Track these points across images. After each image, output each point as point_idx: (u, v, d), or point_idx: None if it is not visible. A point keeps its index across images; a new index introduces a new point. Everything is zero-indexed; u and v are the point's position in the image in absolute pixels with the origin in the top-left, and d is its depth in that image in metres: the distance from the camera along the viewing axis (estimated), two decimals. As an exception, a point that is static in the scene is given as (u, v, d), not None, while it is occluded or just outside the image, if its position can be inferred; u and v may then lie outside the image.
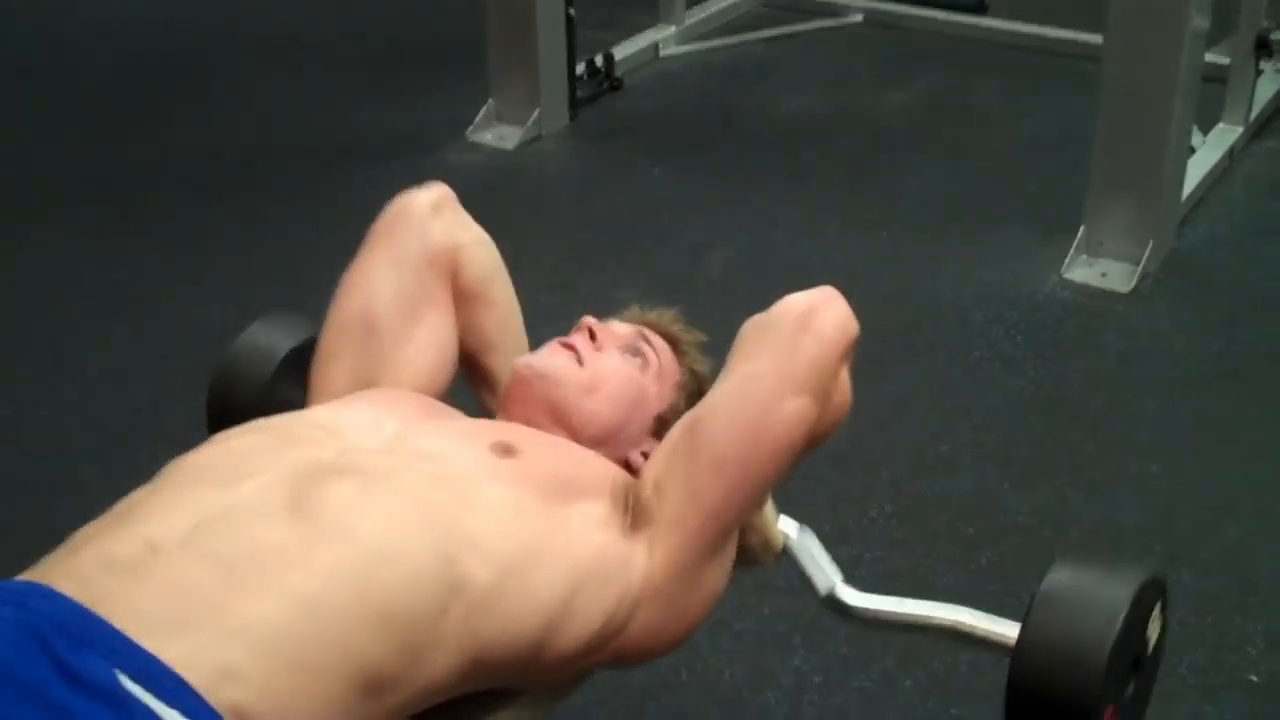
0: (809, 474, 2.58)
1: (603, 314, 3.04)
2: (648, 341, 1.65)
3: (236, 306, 3.09)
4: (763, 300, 3.18)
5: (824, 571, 1.64)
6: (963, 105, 4.25)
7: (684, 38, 4.65)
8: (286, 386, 1.76)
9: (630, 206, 3.63)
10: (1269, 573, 2.37)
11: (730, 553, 1.47)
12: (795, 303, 1.45)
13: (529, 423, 1.55)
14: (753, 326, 1.48)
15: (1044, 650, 1.36)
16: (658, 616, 1.41)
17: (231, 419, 1.75)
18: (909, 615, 1.60)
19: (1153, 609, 1.44)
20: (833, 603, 1.62)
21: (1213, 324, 3.09)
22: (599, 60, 4.27)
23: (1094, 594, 1.38)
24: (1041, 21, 4.69)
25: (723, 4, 4.89)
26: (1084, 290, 3.20)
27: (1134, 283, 3.20)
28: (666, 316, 1.72)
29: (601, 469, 1.49)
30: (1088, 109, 3.39)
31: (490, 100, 4.01)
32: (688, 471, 1.40)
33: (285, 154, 3.95)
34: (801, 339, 1.41)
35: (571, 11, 3.98)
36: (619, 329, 1.65)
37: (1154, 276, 3.23)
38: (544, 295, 3.19)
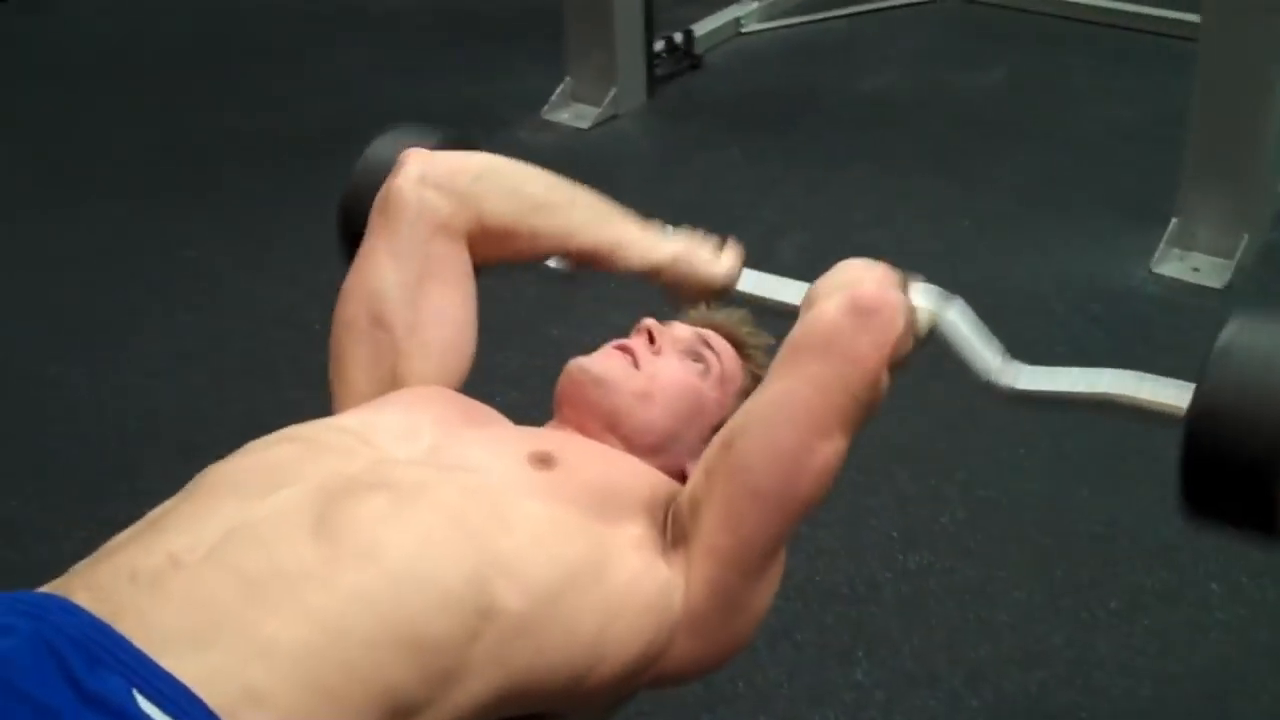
0: (876, 471, 2.51)
1: (669, 310, 2.97)
2: (709, 345, 1.57)
3: (300, 289, 3.06)
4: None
5: (981, 355, 1.46)
6: (1052, 85, 4.12)
7: (766, 14, 4.55)
8: None
9: (705, 189, 3.55)
10: (1361, 593, 2.26)
11: (776, 573, 1.40)
12: (825, 314, 1.31)
13: (581, 428, 1.49)
14: (795, 337, 1.37)
15: (1220, 412, 1.24)
16: (698, 642, 1.35)
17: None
18: (1075, 392, 1.46)
19: None
20: (993, 391, 1.47)
21: (1309, 324, 2.95)
22: (678, 37, 4.18)
23: (1271, 351, 1.26)
24: (1137, -1, 4.54)
25: (806, -21, 4.77)
26: (1174, 285, 3.08)
27: (1227, 279, 3.06)
28: (735, 317, 1.64)
29: (644, 481, 1.42)
30: (1183, 91, 3.27)
31: (566, 78, 3.94)
32: (725, 496, 1.33)
33: (355, 129, 3.84)
34: (836, 363, 1.31)
35: (651, -14, 3.90)
36: (680, 332, 1.58)
37: (1248, 272, 3.10)
38: (613, 281, 3.09)
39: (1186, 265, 3.13)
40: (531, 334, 2.92)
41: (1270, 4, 2.93)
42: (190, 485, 1.30)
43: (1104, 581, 2.28)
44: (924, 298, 1.43)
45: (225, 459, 1.34)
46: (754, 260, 3.13)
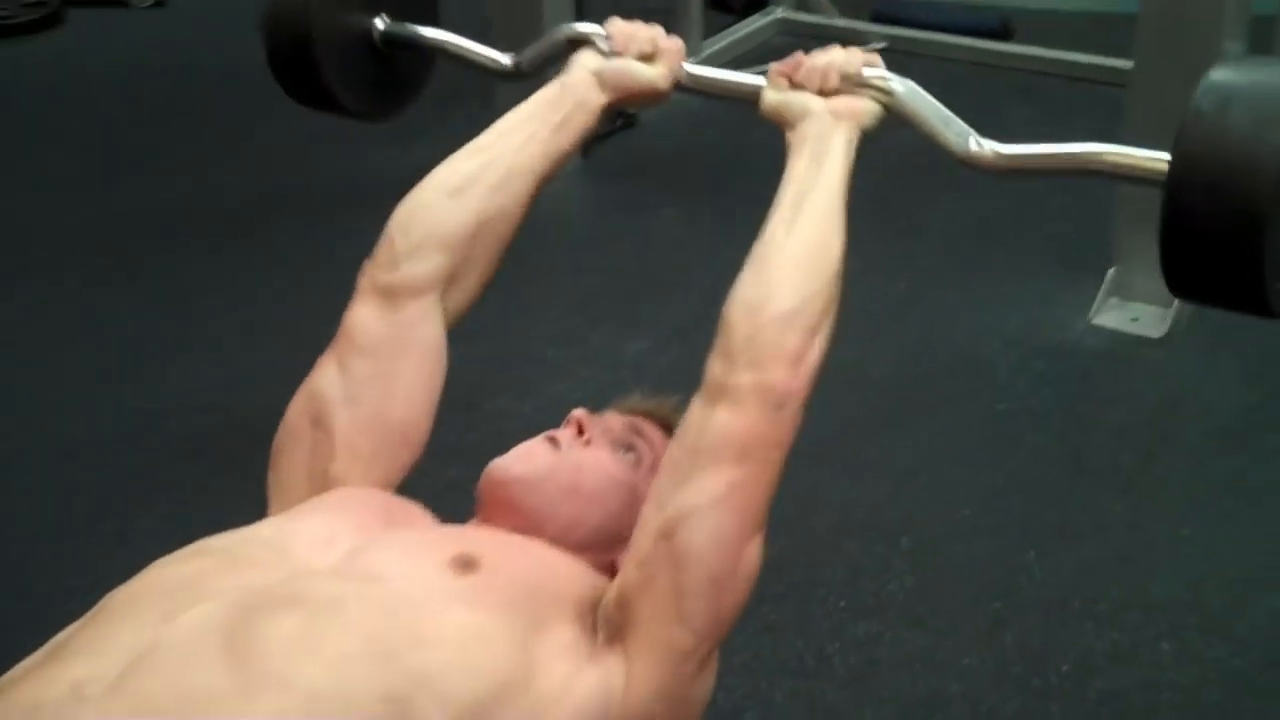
0: (824, 542, 2.48)
1: (611, 370, 2.93)
2: (641, 435, 1.54)
3: (231, 370, 3.01)
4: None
5: (954, 126, 1.47)
6: (988, 137, 4.10)
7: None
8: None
9: (643, 251, 3.52)
10: (1311, 649, 2.24)
11: (714, 662, 1.37)
12: (742, 414, 1.30)
13: (506, 525, 1.45)
14: (716, 429, 1.34)
15: (1205, 165, 1.20)
16: None
17: (290, 57, 1.73)
18: (1054, 156, 1.45)
19: None
20: (972, 161, 1.48)
21: (1249, 372, 2.95)
22: (612, 96, 4.15)
23: (1254, 101, 1.21)
24: (1070, 47, 4.55)
25: (741, 33, 4.77)
26: (1114, 337, 3.07)
27: (1166, 328, 3.06)
28: (668, 405, 1.61)
29: (572, 579, 1.39)
30: (1116, 138, 3.22)
31: (499, 140, 3.90)
32: (675, 588, 1.30)
33: (286, 200, 3.85)
34: (764, 455, 1.30)
35: (583, 47, 3.86)
36: (611, 422, 1.55)
37: (1187, 321, 3.09)
38: (551, 350, 3.09)
39: (1125, 315, 3.12)
40: (469, 408, 2.87)
41: (1198, 52, 2.94)
42: (96, 608, 1.25)
43: (1055, 646, 2.26)
44: (882, 78, 1.48)
45: (132, 578, 1.29)
46: (695, 326, 3.14)
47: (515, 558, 1.37)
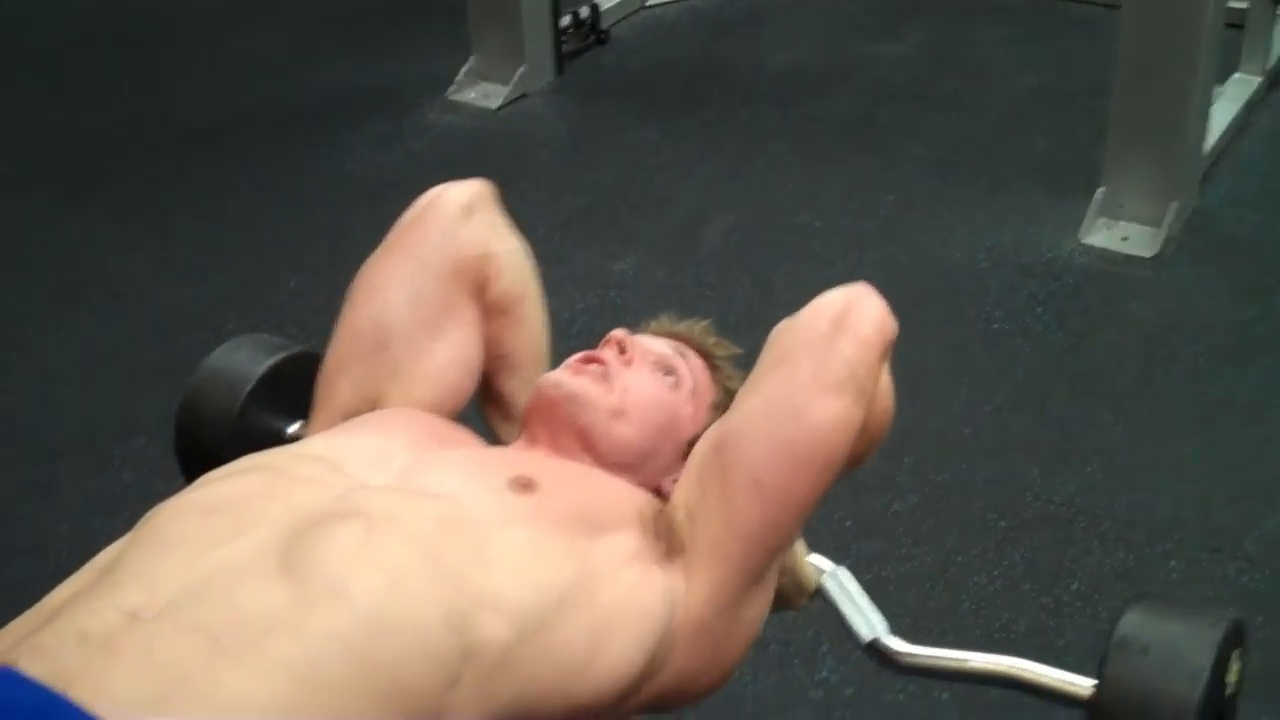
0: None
1: (599, 290, 2.89)
2: (682, 356, 1.50)
3: (207, 287, 2.94)
4: (767, 271, 3.02)
5: (866, 617, 1.48)
6: (966, 55, 4.07)
7: (671, -14, 4.45)
8: (260, 416, 1.61)
9: (623, 170, 3.46)
10: (1318, 564, 2.24)
11: (773, 580, 1.36)
12: (828, 303, 1.32)
13: (553, 444, 1.42)
14: (783, 330, 1.35)
15: (1130, 698, 1.23)
16: (698, 652, 1.29)
17: (203, 456, 1.61)
18: (963, 666, 1.44)
19: (1232, 654, 1.30)
20: (877, 651, 1.46)
21: (1242, 290, 2.94)
22: (584, 11, 4.07)
23: (1176, 651, 1.24)
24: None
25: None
26: (1105, 256, 3.05)
27: (1158, 247, 3.04)
28: (699, 329, 1.58)
29: (629, 497, 1.36)
30: (1093, 57, 3.19)
31: (472, 57, 3.82)
32: (722, 495, 1.28)
33: (255, 119, 3.75)
34: (837, 340, 1.27)
35: (556, -39, 3.79)
36: (651, 344, 1.51)
37: (1178, 240, 3.07)
38: (538, 269, 3.02)
39: (1115, 235, 3.10)
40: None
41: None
42: (141, 525, 1.20)
43: (1063, 564, 2.24)
44: (813, 562, 1.47)
45: (177, 496, 1.24)
46: (681, 246, 3.10)
47: (572, 479, 1.35)
